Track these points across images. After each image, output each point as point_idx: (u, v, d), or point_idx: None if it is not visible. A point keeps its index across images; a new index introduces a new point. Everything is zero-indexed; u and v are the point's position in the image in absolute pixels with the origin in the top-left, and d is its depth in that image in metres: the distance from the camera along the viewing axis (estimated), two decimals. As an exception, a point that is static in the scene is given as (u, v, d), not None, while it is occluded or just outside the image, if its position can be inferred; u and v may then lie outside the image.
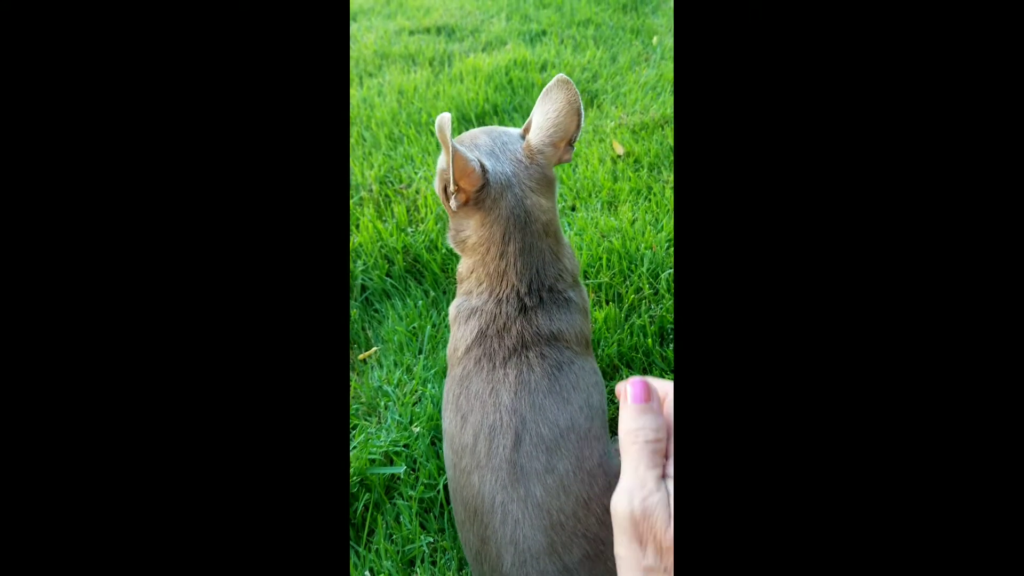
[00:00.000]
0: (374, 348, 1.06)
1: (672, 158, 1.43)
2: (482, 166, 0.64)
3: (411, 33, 2.23)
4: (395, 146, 1.53)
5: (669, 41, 2.05)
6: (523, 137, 0.70)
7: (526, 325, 0.66)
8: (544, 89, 0.68)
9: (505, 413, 0.62)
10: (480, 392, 0.65)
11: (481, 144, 0.68)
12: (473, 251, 0.68)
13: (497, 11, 2.39)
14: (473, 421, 0.64)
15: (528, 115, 0.81)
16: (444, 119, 0.56)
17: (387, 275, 1.16)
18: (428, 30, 2.25)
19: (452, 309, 0.73)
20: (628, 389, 0.41)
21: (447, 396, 0.69)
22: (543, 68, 1.87)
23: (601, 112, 1.64)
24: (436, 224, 1.24)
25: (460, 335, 0.69)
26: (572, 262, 0.73)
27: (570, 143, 0.70)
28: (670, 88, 1.73)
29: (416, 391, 0.97)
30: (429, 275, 1.16)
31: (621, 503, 0.36)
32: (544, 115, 0.68)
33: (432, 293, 1.13)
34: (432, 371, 0.98)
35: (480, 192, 0.64)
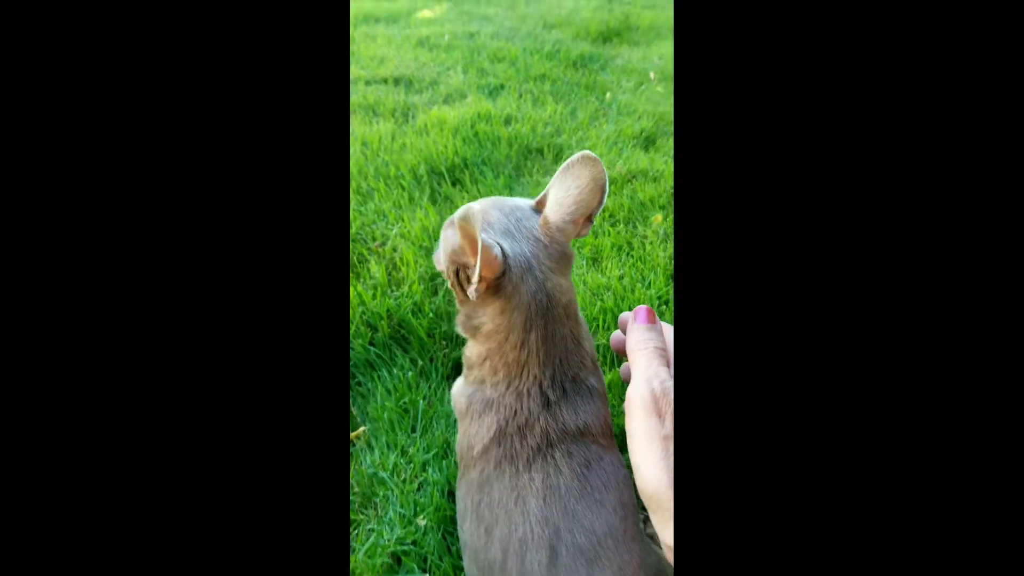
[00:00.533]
0: (362, 428, 0.97)
1: (645, 213, 1.45)
2: (502, 250, 0.58)
3: (367, 83, 2.18)
4: (364, 201, 1.46)
5: (622, 97, 2.12)
6: (537, 211, 0.64)
7: (551, 421, 0.60)
8: (565, 164, 0.63)
9: (535, 524, 0.55)
10: (504, 500, 0.58)
11: (495, 222, 0.61)
12: (488, 338, 0.61)
13: (452, 64, 2.40)
14: (500, 534, 0.57)
15: (497, 169, 0.77)
16: (474, 211, 0.50)
17: (370, 343, 1.07)
18: (385, 80, 2.21)
19: (460, 398, 0.66)
20: (635, 314, 0.49)
21: (465, 503, 0.62)
22: (507, 122, 1.87)
23: (570, 166, 1.64)
24: (420, 286, 1.17)
25: (475, 431, 0.62)
26: (590, 343, 0.67)
27: (589, 218, 0.64)
28: (631, 143, 1.77)
29: (416, 476, 0.88)
30: (416, 341, 1.08)
31: (640, 388, 0.43)
32: (566, 190, 0.63)
33: (420, 362, 1.05)
34: (431, 452, 0.90)
35: (500, 278, 0.58)
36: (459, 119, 1.80)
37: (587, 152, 0.62)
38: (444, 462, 0.89)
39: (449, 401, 0.94)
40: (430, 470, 0.88)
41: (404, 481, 0.88)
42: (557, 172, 0.63)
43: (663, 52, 2.68)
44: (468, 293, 0.58)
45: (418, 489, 0.86)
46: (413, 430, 0.96)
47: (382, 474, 0.88)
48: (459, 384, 0.69)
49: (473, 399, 0.63)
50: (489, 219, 0.62)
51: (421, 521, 0.81)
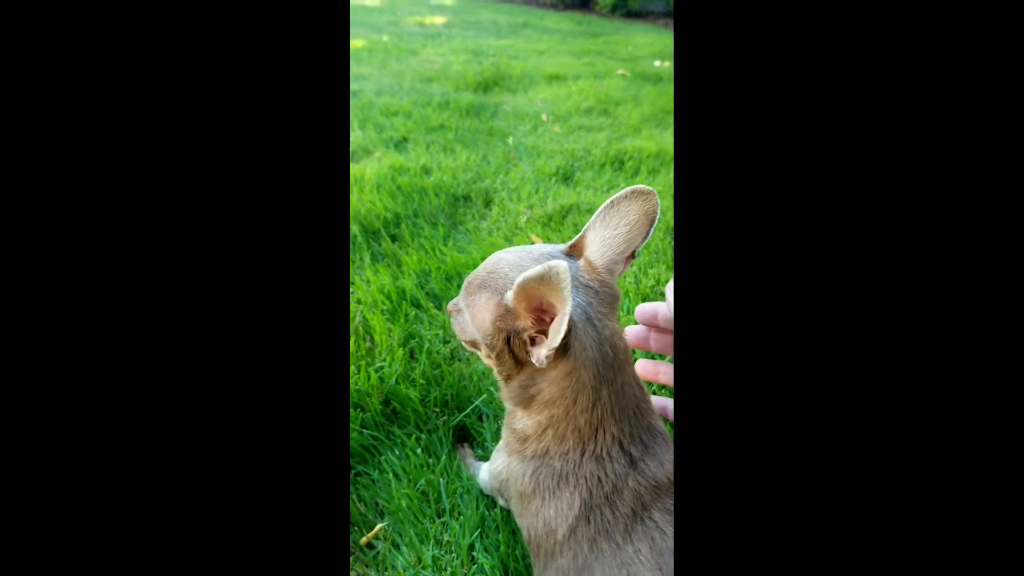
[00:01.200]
0: (380, 525, 0.83)
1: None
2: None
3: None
4: (300, 271, 1.31)
5: (526, 140, 2.18)
6: (572, 256, 0.59)
7: (640, 481, 0.54)
8: (610, 201, 0.59)
9: None
10: None
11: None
12: (550, 405, 0.55)
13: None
14: None
15: (431, 219, 0.74)
16: (560, 268, 0.43)
17: (361, 427, 0.94)
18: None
19: (520, 478, 0.58)
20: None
21: None
22: (427, 172, 1.82)
23: (503, 210, 1.63)
24: (401, 351, 1.06)
25: (553, 513, 0.55)
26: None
27: (633, 254, 0.61)
28: (551, 180, 1.81)
29: (465, 566, 0.77)
30: (411, 414, 0.97)
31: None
32: (613, 229, 0.58)
33: (422, 436, 0.94)
34: (474, 534, 0.79)
35: (565, 337, 0.52)
36: (377, 174, 1.72)
37: (640, 186, 0.58)
38: (489, 540, 0.78)
39: (467, 477, 0.85)
40: (478, 554, 0.77)
41: (453, 575, 0.76)
42: (599, 211, 0.59)
43: (543, 96, 2.82)
44: (535, 360, 0.51)
45: (473, 581, 0.75)
46: (439, 515, 0.84)
47: (426, 573, 0.75)
48: (510, 462, 0.61)
49: (540, 476, 0.56)
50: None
51: (491, 617, 0.70)
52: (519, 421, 0.59)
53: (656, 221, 0.58)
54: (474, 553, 0.78)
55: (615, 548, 0.52)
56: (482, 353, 0.59)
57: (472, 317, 0.57)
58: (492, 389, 1.01)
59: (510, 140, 2.19)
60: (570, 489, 0.54)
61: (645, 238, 0.59)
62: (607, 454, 0.54)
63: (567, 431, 0.55)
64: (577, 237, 0.60)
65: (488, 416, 0.98)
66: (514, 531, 0.79)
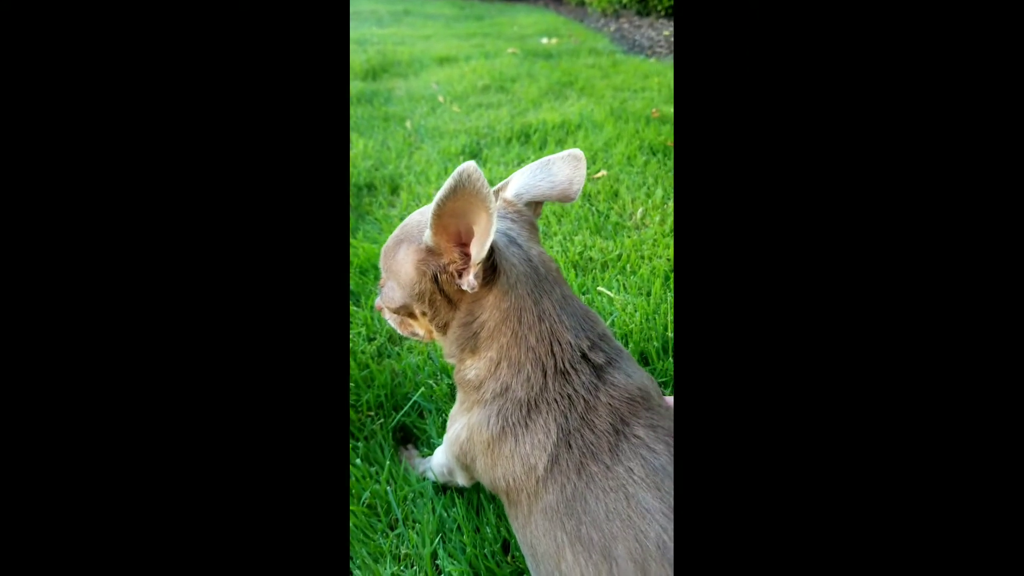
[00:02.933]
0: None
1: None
2: None
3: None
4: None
5: (426, 122, 2.08)
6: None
7: (612, 394, 0.52)
8: (545, 159, 0.61)
9: (663, 519, 0.45)
10: (612, 508, 0.47)
11: None
12: (496, 335, 0.53)
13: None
14: (626, 550, 0.45)
15: None
16: (471, 167, 0.43)
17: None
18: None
19: (487, 423, 0.54)
20: None
21: (550, 539, 0.49)
22: (323, 164, 1.67)
23: (412, 194, 1.53)
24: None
25: (528, 449, 0.51)
26: None
27: (540, 205, 0.63)
28: (461, 159, 1.73)
29: (430, 578, 0.69)
30: (343, 423, 0.86)
31: None
32: (538, 180, 0.61)
33: (360, 445, 0.84)
34: (435, 542, 0.71)
35: (489, 260, 0.51)
36: (267, 171, 1.55)
37: (576, 151, 0.61)
38: (452, 544, 0.71)
39: (417, 479, 0.76)
40: (443, 561, 0.69)
41: (418, 591, 0.67)
42: (531, 164, 0.62)
43: (436, 78, 2.72)
44: (466, 286, 0.50)
45: (441, 592, 0.67)
46: (392, 527, 0.75)
47: (386, 596, 0.66)
48: (470, 417, 0.56)
49: (507, 413, 0.52)
50: None
51: (468, 629, 0.63)
52: (470, 370, 0.55)
53: (580, 188, 0.59)
54: (438, 562, 0.70)
55: (604, 469, 0.48)
56: (416, 312, 0.57)
57: (395, 278, 0.56)
58: (430, 382, 0.93)
59: (408, 124, 2.08)
60: (542, 416, 0.51)
61: (563, 197, 0.60)
62: (570, 366, 0.52)
63: (522, 355, 0.52)
64: (500, 184, 0.61)
65: (430, 411, 0.90)
66: (478, 528, 0.72)
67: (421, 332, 0.62)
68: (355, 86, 2.50)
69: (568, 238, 1.30)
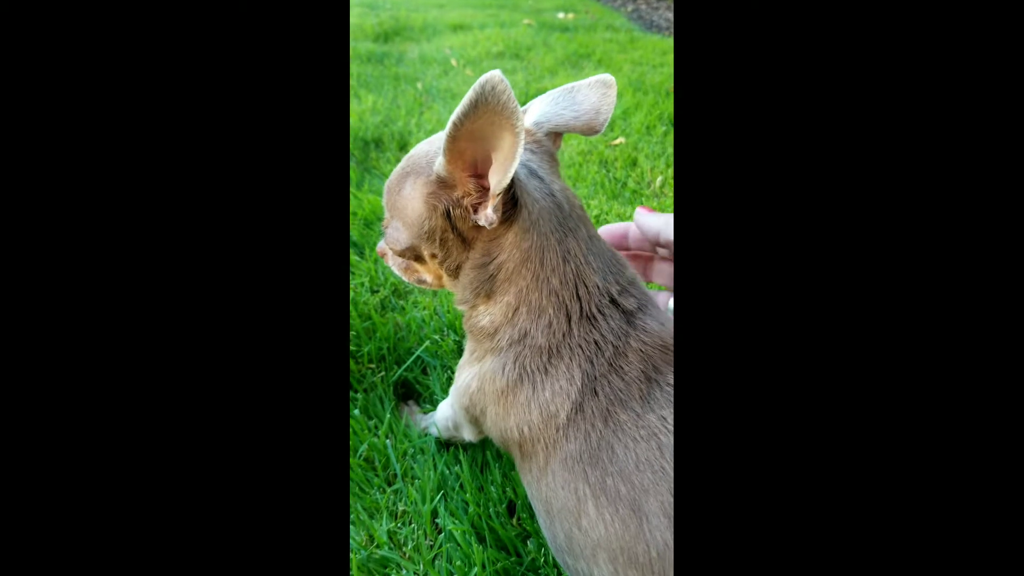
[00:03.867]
0: (316, 505, 0.67)
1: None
2: None
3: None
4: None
5: (437, 84, 2.01)
6: None
7: (644, 339, 0.47)
8: (569, 86, 0.54)
9: None
10: (643, 458, 0.42)
11: None
12: (515, 278, 0.47)
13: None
14: (658, 504, 0.41)
15: None
16: (497, 77, 0.36)
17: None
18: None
19: (501, 371, 0.48)
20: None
21: (570, 491, 0.45)
22: (330, 116, 1.61)
23: (421, 151, 1.47)
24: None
25: (548, 396, 0.46)
26: None
27: (560, 136, 0.56)
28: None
29: (429, 537, 0.64)
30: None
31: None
32: (562, 108, 0.53)
33: (359, 396, 0.79)
34: (436, 498, 0.66)
35: (509, 192, 0.45)
36: (271, 119, 1.49)
37: (605, 76, 0.53)
38: (454, 502, 0.66)
39: (419, 435, 0.71)
40: (443, 520, 0.64)
41: (416, 550, 0.62)
42: (554, 91, 0.55)
43: (450, 44, 2.64)
44: (484, 221, 0.44)
45: (433, 559, 0.62)
46: (390, 482, 0.70)
47: (382, 552, 0.62)
48: (481, 366, 0.51)
49: (524, 361, 0.47)
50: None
51: (469, 591, 0.58)
52: (483, 316, 0.50)
53: (608, 118, 0.53)
54: (438, 520, 0.65)
55: (635, 417, 0.44)
56: (425, 254, 0.51)
57: (401, 216, 0.49)
58: (436, 337, 0.88)
59: (419, 85, 2.00)
60: (565, 362, 0.46)
61: (588, 128, 0.53)
62: (597, 311, 0.46)
63: (543, 299, 0.46)
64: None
65: (434, 367, 0.85)
66: (482, 487, 0.67)
67: (429, 278, 0.56)
68: (366, 47, 2.42)
69: (584, 201, 1.24)
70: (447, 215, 0.46)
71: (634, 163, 1.43)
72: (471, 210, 0.45)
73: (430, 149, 0.48)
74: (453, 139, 0.39)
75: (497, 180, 0.41)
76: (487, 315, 0.49)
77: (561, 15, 3.67)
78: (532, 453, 0.48)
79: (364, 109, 1.68)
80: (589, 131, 0.53)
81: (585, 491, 0.43)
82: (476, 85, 0.35)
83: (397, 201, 0.49)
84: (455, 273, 0.50)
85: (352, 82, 1.95)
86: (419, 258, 0.52)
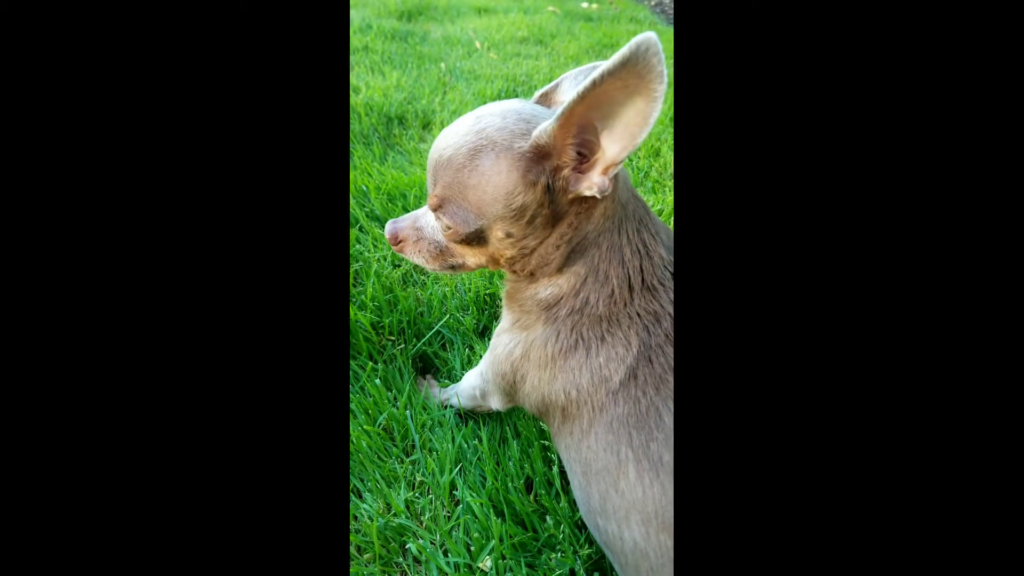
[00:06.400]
0: (335, 470, 0.68)
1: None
2: None
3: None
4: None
5: (461, 64, 1.99)
6: (541, 105, 0.51)
7: None
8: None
9: None
10: None
11: (540, 113, 0.46)
12: (591, 248, 0.46)
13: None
14: None
15: (360, 139, 0.70)
16: (654, 38, 0.34)
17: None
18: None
19: (555, 337, 0.48)
20: None
21: (606, 461, 0.45)
22: (354, 91, 1.60)
23: (444, 130, 1.46)
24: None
25: (604, 359, 0.46)
26: None
27: None
28: (495, 104, 1.65)
29: (446, 507, 0.64)
30: (363, 343, 0.81)
31: None
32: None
33: (379, 367, 0.79)
34: (454, 470, 0.66)
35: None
36: (295, 90, 1.48)
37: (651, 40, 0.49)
38: (471, 475, 0.66)
39: (437, 407, 0.71)
40: (461, 492, 0.64)
41: (434, 520, 0.63)
42: (587, 66, 0.51)
43: (474, 26, 2.61)
44: (596, 191, 0.41)
45: (450, 529, 0.62)
46: (408, 453, 0.70)
47: (399, 520, 0.62)
48: (528, 334, 0.51)
49: (581, 329, 0.47)
50: (536, 112, 0.46)
51: (487, 564, 0.58)
52: (546, 289, 0.49)
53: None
54: (455, 492, 0.65)
55: None
56: (497, 235, 0.46)
57: (473, 197, 0.44)
58: (458, 315, 0.88)
59: (442, 65, 1.99)
60: (623, 329, 0.46)
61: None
62: (659, 282, 0.46)
63: (611, 269, 0.46)
64: (549, 86, 0.51)
65: (453, 343, 0.85)
66: (499, 462, 0.67)
67: (470, 261, 0.51)
68: (390, 24, 2.40)
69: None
70: (547, 189, 0.43)
71: (657, 153, 1.42)
72: (569, 181, 0.42)
73: (504, 122, 0.43)
74: (581, 99, 0.37)
75: (621, 147, 0.39)
76: (551, 287, 0.48)
77: (585, 4, 3.63)
78: (576, 415, 0.48)
79: (388, 85, 1.67)
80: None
81: (627, 454, 0.44)
82: (632, 44, 0.33)
83: (468, 180, 0.44)
84: (528, 253, 0.47)
85: (376, 58, 1.94)
86: (480, 240, 0.47)
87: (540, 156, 0.42)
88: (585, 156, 0.41)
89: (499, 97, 1.69)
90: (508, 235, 0.46)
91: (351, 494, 0.66)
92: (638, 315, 0.46)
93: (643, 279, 0.46)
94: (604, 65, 0.34)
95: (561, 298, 0.48)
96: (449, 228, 0.47)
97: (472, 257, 0.51)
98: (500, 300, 0.92)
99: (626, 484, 0.43)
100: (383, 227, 1.06)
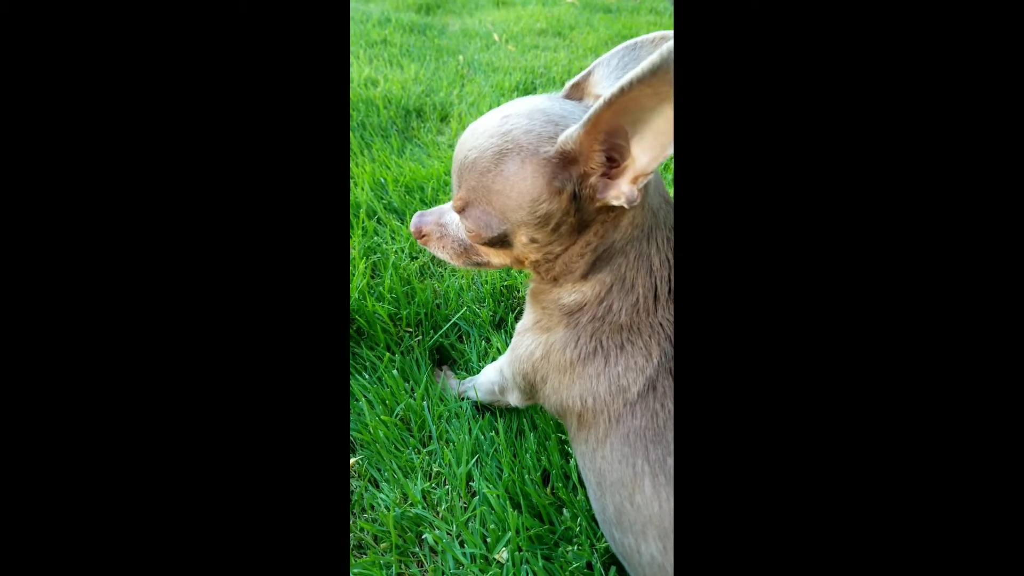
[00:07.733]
0: (352, 460, 0.68)
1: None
2: None
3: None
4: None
5: (479, 57, 1.98)
6: (572, 99, 0.48)
7: None
8: (632, 41, 0.48)
9: None
10: None
11: (570, 112, 0.43)
12: (618, 256, 0.45)
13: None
14: None
15: (383, 132, 0.63)
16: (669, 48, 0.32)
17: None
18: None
19: (574, 343, 0.47)
20: None
21: (621, 473, 0.44)
22: (373, 84, 1.61)
23: (461, 124, 1.45)
24: (364, 262, 0.89)
25: (623, 368, 0.45)
26: None
27: None
28: (514, 95, 1.64)
29: (463, 498, 0.64)
30: (379, 333, 0.81)
31: None
32: (623, 66, 0.48)
33: (396, 358, 0.79)
34: (471, 462, 0.66)
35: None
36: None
37: (669, 32, 0.46)
38: (488, 467, 0.66)
39: (454, 398, 0.71)
40: (478, 483, 0.64)
41: (450, 511, 0.63)
42: (615, 51, 0.48)
43: (492, 19, 2.60)
44: (624, 201, 0.39)
45: (467, 520, 0.62)
46: (424, 444, 0.71)
47: (416, 510, 0.62)
48: (548, 337, 0.50)
49: (601, 336, 0.46)
50: (565, 110, 0.43)
51: (503, 555, 0.58)
52: (571, 295, 0.47)
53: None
54: (472, 484, 0.65)
55: None
56: (521, 240, 0.45)
57: (498, 201, 0.43)
58: (475, 307, 0.87)
59: (460, 58, 1.98)
60: (643, 339, 0.45)
61: None
62: None
63: (637, 277, 0.45)
64: (580, 76, 0.47)
65: (470, 335, 0.85)
66: (516, 454, 0.67)
67: (495, 261, 0.50)
68: (408, 17, 2.40)
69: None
70: (574, 197, 0.41)
71: (678, 146, 1.40)
72: (596, 188, 0.41)
73: (532, 125, 0.41)
74: (609, 106, 0.35)
75: (651, 157, 0.37)
76: (575, 293, 0.47)
77: (605, -5, 3.59)
78: (592, 424, 0.47)
79: (407, 78, 1.67)
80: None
81: (644, 467, 0.43)
82: (663, 50, 0.31)
83: (493, 184, 0.42)
84: (553, 259, 0.46)
85: (394, 51, 1.94)
86: (504, 244, 0.46)
87: (566, 162, 0.40)
88: (615, 161, 0.39)
89: (517, 90, 1.68)
90: (532, 240, 0.44)
91: (368, 484, 0.66)
92: (661, 326, 0.44)
93: (670, 289, 0.45)
94: (634, 71, 0.33)
95: (584, 305, 0.47)
96: (472, 231, 0.46)
97: (496, 258, 0.50)
98: (517, 292, 0.91)
99: (642, 498, 0.42)
100: (401, 219, 1.06)
